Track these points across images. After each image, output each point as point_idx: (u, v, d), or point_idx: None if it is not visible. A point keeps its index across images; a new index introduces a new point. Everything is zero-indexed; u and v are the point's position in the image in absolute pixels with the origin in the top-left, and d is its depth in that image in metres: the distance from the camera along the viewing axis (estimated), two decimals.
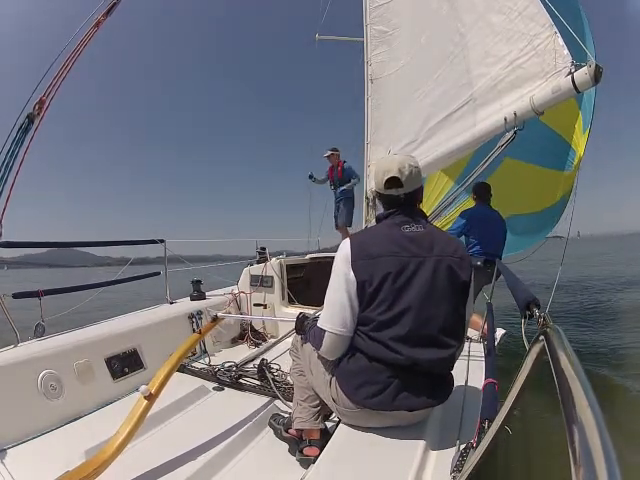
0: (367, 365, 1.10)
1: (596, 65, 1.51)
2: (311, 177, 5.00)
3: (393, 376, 1.07)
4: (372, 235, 1.19)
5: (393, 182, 1.17)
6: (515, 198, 3.85)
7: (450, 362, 1.13)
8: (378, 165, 1.24)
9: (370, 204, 3.15)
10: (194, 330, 2.54)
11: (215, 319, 2.00)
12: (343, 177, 4.93)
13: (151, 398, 1.37)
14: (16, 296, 1.99)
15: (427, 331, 1.07)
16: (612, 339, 4.83)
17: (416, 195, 1.22)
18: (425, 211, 1.29)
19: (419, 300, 1.06)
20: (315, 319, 1.22)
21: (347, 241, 1.16)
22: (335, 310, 1.11)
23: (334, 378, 1.18)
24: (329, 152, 4.94)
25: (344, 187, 4.87)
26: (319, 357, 1.25)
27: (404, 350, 1.05)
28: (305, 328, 1.32)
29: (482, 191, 3.19)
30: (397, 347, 1.05)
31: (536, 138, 3.49)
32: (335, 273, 1.14)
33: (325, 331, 1.13)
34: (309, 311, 1.62)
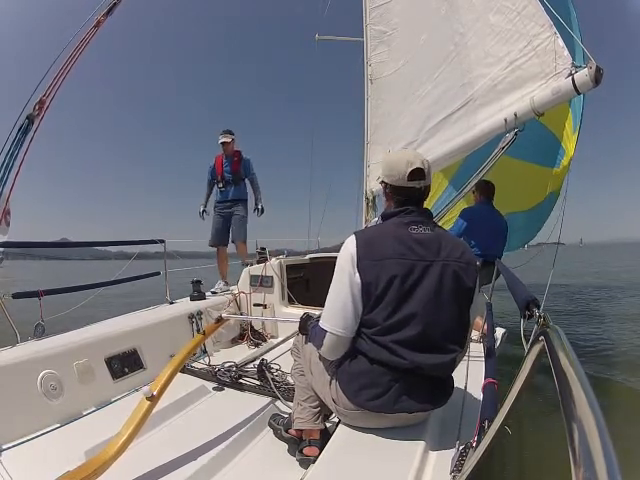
0: (368, 367, 1.09)
1: (597, 67, 1.51)
2: (201, 213, 3.80)
3: (394, 379, 1.07)
4: (379, 234, 1.14)
5: (417, 174, 1.14)
6: (508, 196, 3.83)
7: (451, 366, 1.13)
8: (392, 158, 1.20)
9: (370, 204, 3.15)
10: (198, 330, 2.54)
11: (219, 320, 2.00)
12: (239, 172, 3.66)
13: (153, 399, 1.37)
14: (16, 296, 1.99)
15: (431, 336, 1.06)
16: (611, 338, 4.84)
17: (429, 190, 1.21)
18: None
19: (424, 305, 1.05)
20: (318, 319, 1.21)
21: (353, 239, 1.12)
22: (337, 310, 1.10)
23: (334, 379, 1.18)
24: (227, 136, 3.63)
25: (251, 187, 3.71)
26: (320, 358, 1.24)
27: (407, 354, 1.04)
28: (308, 328, 1.30)
29: (485, 189, 3.12)
30: (400, 351, 1.04)
31: (527, 134, 3.47)
32: (339, 272, 1.11)
33: (326, 331, 1.12)
34: (311, 311, 1.62)
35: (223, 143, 3.65)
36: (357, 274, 1.07)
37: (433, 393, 1.11)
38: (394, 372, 1.07)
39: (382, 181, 1.22)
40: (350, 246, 1.11)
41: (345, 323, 1.09)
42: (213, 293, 3.23)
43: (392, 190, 1.19)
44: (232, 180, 3.66)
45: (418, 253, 1.08)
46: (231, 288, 3.37)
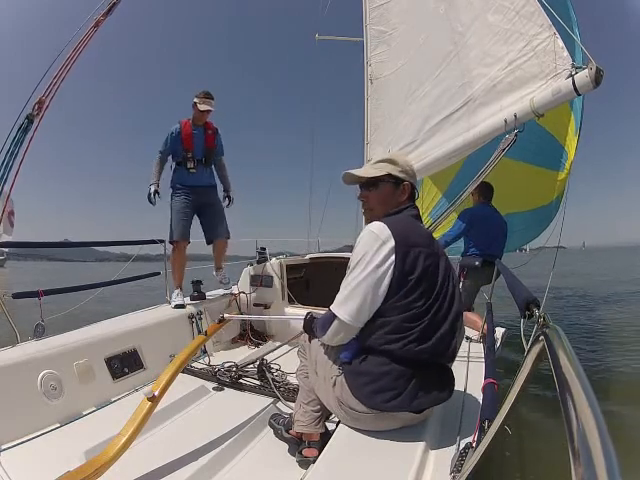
0: (384, 367, 1.08)
1: (597, 68, 1.51)
2: (152, 195, 2.82)
3: (409, 378, 1.07)
4: (407, 223, 1.18)
5: None
6: (508, 196, 3.84)
7: (455, 353, 1.16)
8: (404, 158, 1.30)
9: None
10: (198, 331, 2.54)
11: (222, 320, 2.00)
12: (216, 149, 2.93)
13: (155, 400, 1.37)
14: (16, 296, 1.99)
15: (447, 323, 1.11)
16: (612, 338, 4.85)
17: None
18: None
19: (440, 293, 1.11)
20: (321, 317, 1.22)
21: (383, 227, 1.10)
22: (354, 298, 1.08)
23: (342, 378, 1.16)
24: (211, 102, 2.76)
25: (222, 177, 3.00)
26: (328, 357, 1.23)
27: (428, 342, 1.07)
28: (313, 328, 1.29)
29: (484, 190, 3.13)
30: (424, 338, 1.06)
31: (528, 136, 3.48)
32: (366, 260, 1.07)
33: (336, 316, 1.10)
34: (314, 311, 1.62)
35: (203, 112, 2.75)
36: (394, 260, 1.06)
37: (441, 385, 1.14)
38: (409, 367, 1.07)
39: (403, 180, 1.25)
40: (383, 233, 1.09)
41: (358, 314, 1.08)
42: (178, 306, 2.64)
43: (411, 187, 1.28)
44: (204, 160, 2.85)
45: (433, 245, 1.16)
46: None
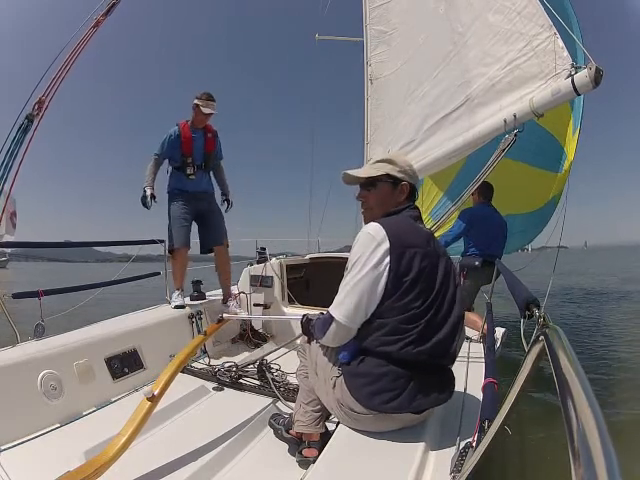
0: (382, 368, 1.08)
1: (597, 68, 1.51)
2: (147, 199, 2.69)
3: (408, 379, 1.07)
4: (403, 224, 1.17)
5: None
6: (507, 197, 3.84)
7: (455, 355, 1.15)
8: (403, 158, 1.30)
9: None
10: (198, 331, 2.54)
11: (221, 320, 1.99)
12: (215, 154, 2.88)
13: (154, 399, 1.37)
14: (16, 296, 1.99)
15: (447, 325, 1.10)
16: (611, 339, 4.85)
17: None
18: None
19: (439, 294, 1.11)
20: (319, 319, 1.22)
21: (379, 228, 1.10)
22: (351, 300, 1.08)
23: (341, 380, 1.15)
24: (214, 105, 2.68)
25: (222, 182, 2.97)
26: (328, 359, 1.22)
27: (427, 344, 1.06)
28: (310, 329, 1.29)
29: (484, 190, 3.14)
30: (422, 340, 1.06)
31: (528, 137, 3.49)
32: (361, 262, 1.08)
33: (333, 318, 1.11)
34: (311, 312, 1.62)
35: (206, 115, 2.67)
36: (390, 262, 1.06)
37: (441, 386, 1.14)
38: (409, 369, 1.07)
39: (401, 180, 1.25)
40: (378, 234, 1.09)
41: (355, 315, 1.09)
42: (178, 307, 2.62)
43: (410, 187, 1.26)
44: (204, 165, 2.79)
45: (431, 245, 1.15)
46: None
